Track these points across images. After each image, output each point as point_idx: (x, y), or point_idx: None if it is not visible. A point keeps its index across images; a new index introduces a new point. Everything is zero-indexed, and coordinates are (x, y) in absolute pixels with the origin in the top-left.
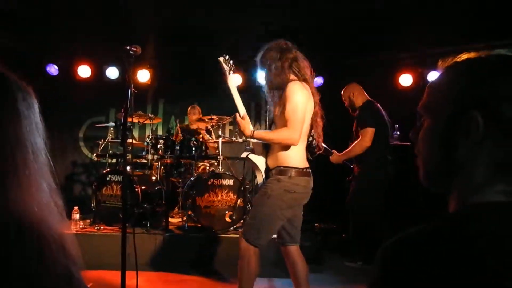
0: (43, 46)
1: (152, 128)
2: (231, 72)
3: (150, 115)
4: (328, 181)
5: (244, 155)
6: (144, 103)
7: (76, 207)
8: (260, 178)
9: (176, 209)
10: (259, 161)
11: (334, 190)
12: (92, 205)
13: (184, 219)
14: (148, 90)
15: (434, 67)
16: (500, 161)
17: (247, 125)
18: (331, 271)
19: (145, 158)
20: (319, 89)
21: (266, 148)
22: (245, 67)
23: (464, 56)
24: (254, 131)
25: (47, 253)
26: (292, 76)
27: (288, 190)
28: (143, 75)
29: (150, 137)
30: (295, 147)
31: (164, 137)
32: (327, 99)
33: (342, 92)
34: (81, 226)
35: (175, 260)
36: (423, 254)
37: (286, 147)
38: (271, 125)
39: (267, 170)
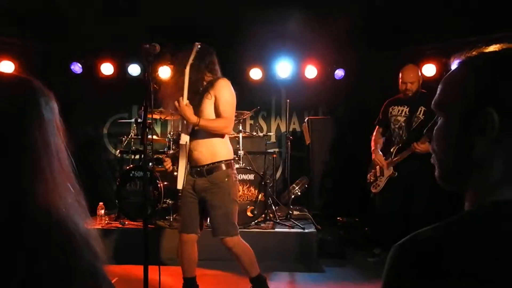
0: (67, 45)
1: (173, 124)
2: (193, 60)
3: (171, 111)
4: (350, 175)
5: (183, 141)
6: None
7: (101, 203)
8: (183, 164)
9: None
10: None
11: (355, 184)
12: (116, 201)
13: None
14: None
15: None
16: None
17: (192, 112)
18: (353, 265)
19: (167, 154)
20: (340, 81)
21: (193, 143)
22: (265, 62)
23: (478, 51)
24: (200, 118)
25: (74, 249)
26: (208, 76)
27: (235, 180)
28: (165, 72)
29: (172, 133)
30: (226, 141)
31: None
32: (349, 92)
33: (407, 72)
34: (106, 221)
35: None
36: (435, 256)
37: (221, 143)
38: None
39: (194, 164)
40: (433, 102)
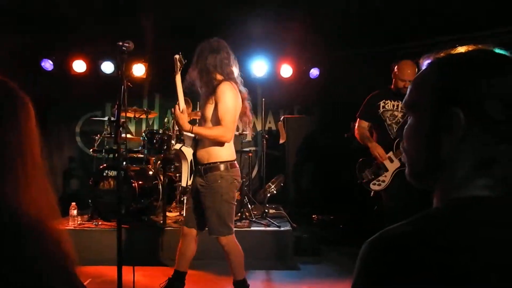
0: (37, 42)
1: (148, 123)
2: (180, 69)
3: (146, 109)
4: (325, 173)
5: (177, 146)
6: (140, 97)
7: (73, 203)
8: (185, 168)
9: (174, 204)
10: (189, 152)
11: (331, 182)
12: (90, 200)
13: (182, 213)
14: (144, 84)
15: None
16: (483, 155)
17: (186, 119)
18: (328, 263)
19: (142, 153)
20: (315, 80)
21: (196, 142)
22: (241, 60)
23: (446, 52)
24: (193, 126)
25: (45, 251)
26: (218, 76)
27: (231, 182)
28: (139, 69)
29: (146, 131)
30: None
31: (160, 132)
32: (324, 91)
33: (405, 69)
34: (79, 222)
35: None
36: (403, 251)
37: (219, 143)
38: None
39: (196, 163)
40: (403, 102)
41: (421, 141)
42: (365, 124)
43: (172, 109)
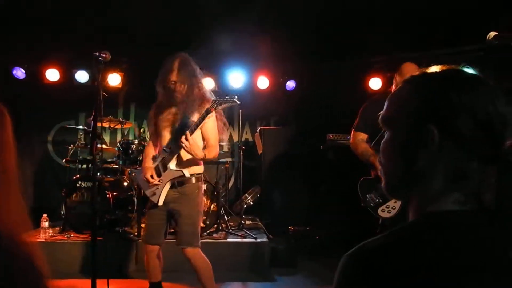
0: (8, 49)
1: (123, 133)
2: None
3: (121, 119)
4: (301, 185)
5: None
6: (115, 107)
7: (45, 215)
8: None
9: None
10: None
11: (307, 193)
12: (62, 212)
13: None
14: (119, 94)
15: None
16: (455, 171)
17: (199, 147)
18: (305, 274)
19: (116, 164)
20: (292, 92)
21: (168, 157)
22: (218, 72)
23: (420, 71)
24: (204, 152)
25: (15, 265)
26: (203, 93)
27: (203, 193)
28: (114, 79)
29: (121, 142)
30: None
31: (135, 142)
32: (300, 102)
33: (408, 71)
34: (50, 234)
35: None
36: (379, 264)
37: (194, 158)
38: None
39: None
40: (380, 118)
41: (397, 156)
42: (364, 136)
43: (183, 137)
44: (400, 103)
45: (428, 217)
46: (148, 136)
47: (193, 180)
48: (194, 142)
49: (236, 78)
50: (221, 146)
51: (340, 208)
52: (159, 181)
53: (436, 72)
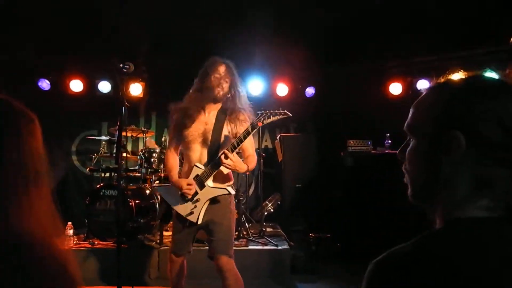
0: (34, 61)
1: (145, 142)
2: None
3: (143, 128)
4: (322, 191)
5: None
6: (137, 116)
7: (69, 223)
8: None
9: (171, 223)
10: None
11: (328, 199)
12: (86, 220)
13: None
14: (141, 104)
15: (422, 75)
16: (481, 178)
17: (241, 161)
18: (326, 281)
19: (139, 172)
20: (311, 99)
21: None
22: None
23: (445, 77)
24: (247, 165)
25: (50, 273)
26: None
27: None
28: (136, 89)
29: (144, 150)
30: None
31: (157, 150)
32: (320, 109)
33: None
34: (75, 242)
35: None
36: (407, 272)
37: (231, 175)
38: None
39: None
40: (405, 125)
41: (421, 163)
42: None
43: (223, 156)
44: (424, 110)
45: (455, 224)
46: (169, 146)
47: (227, 195)
48: (236, 158)
49: (255, 85)
50: (240, 154)
51: (361, 215)
52: (196, 199)
53: (459, 79)
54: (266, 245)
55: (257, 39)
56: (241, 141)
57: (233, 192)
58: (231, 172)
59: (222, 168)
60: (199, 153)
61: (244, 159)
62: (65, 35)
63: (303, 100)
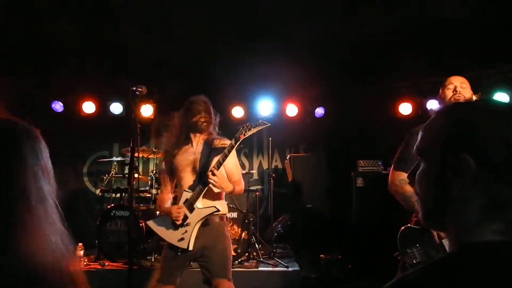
0: (47, 84)
1: (155, 162)
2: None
3: (154, 149)
4: (332, 212)
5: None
6: (148, 137)
7: (80, 244)
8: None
9: None
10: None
11: (338, 220)
12: (96, 241)
13: None
14: (151, 124)
15: (432, 95)
16: (492, 201)
17: (227, 180)
18: None
19: (149, 193)
20: (321, 119)
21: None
22: (247, 100)
23: (454, 100)
24: (233, 185)
25: None
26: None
27: (228, 229)
28: (147, 110)
29: (154, 171)
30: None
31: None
32: (329, 129)
33: (454, 78)
34: (85, 263)
35: None
36: None
37: (220, 194)
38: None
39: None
40: (414, 148)
41: (431, 186)
42: (405, 176)
43: (210, 173)
44: (434, 133)
45: (466, 248)
46: (162, 180)
47: (217, 219)
48: (222, 175)
49: (265, 106)
50: (251, 174)
51: (372, 235)
52: (186, 223)
53: (467, 102)
54: (276, 266)
55: (267, 61)
56: (226, 156)
57: (222, 209)
58: (224, 204)
59: (210, 186)
60: (188, 180)
61: (232, 183)
62: (77, 57)
63: (313, 121)
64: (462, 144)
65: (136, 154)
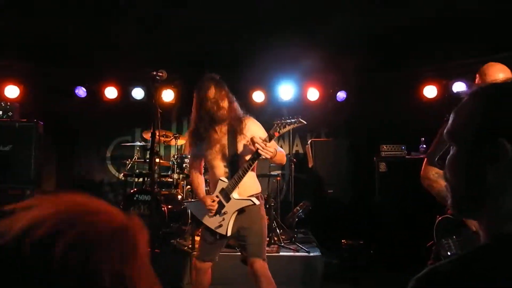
0: (71, 70)
1: (177, 147)
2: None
3: (175, 134)
4: (353, 197)
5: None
6: (169, 122)
7: None
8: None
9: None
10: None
11: (360, 205)
12: None
13: None
14: (173, 110)
15: (458, 78)
16: None
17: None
18: None
19: (171, 177)
20: (343, 103)
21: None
22: (268, 84)
23: (488, 83)
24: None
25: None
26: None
27: (263, 207)
28: (168, 95)
29: (176, 156)
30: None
31: (189, 156)
32: (351, 113)
33: (493, 69)
34: None
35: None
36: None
37: (254, 177)
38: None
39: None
40: (445, 132)
41: (463, 172)
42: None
43: (260, 141)
44: (467, 117)
45: (501, 240)
46: (191, 164)
47: (258, 198)
48: (273, 144)
49: (286, 90)
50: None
51: (394, 221)
52: (224, 212)
53: (504, 83)
54: (297, 251)
55: (288, 44)
56: (259, 155)
57: (258, 202)
58: (257, 182)
59: (245, 178)
60: (221, 169)
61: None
62: (100, 44)
63: (334, 105)
64: (499, 129)
65: (156, 139)
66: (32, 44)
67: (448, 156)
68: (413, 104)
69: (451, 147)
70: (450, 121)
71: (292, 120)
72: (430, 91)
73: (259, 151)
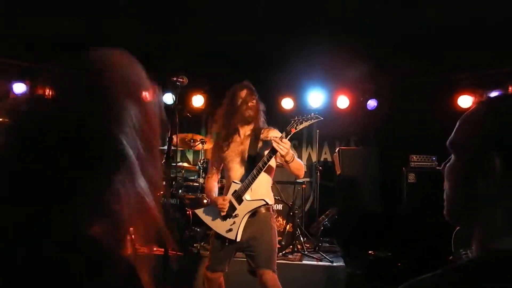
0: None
1: (204, 152)
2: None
3: (202, 139)
4: (382, 207)
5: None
6: (199, 127)
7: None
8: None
9: None
10: None
11: (388, 216)
12: None
13: None
14: (202, 115)
15: (494, 87)
16: None
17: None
18: None
19: (197, 182)
20: (373, 112)
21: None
22: (297, 91)
23: (493, 94)
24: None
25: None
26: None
27: (275, 221)
28: (198, 100)
29: (202, 161)
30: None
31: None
32: (381, 122)
33: None
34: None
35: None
36: None
37: (269, 184)
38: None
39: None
40: (448, 140)
41: (458, 181)
42: None
43: (278, 139)
44: (469, 126)
45: (491, 256)
46: (209, 169)
47: (264, 210)
48: (287, 141)
49: (315, 97)
50: None
51: (423, 234)
52: (235, 214)
53: (505, 96)
54: (320, 260)
55: (319, 50)
56: (275, 152)
57: (270, 202)
58: (271, 193)
59: (258, 180)
60: (237, 171)
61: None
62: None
63: (364, 113)
64: (492, 141)
65: (174, 143)
66: (63, 44)
67: (447, 164)
68: (446, 114)
69: (452, 156)
70: (454, 130)
71: (309, 116)
72: (465, 101)
73: (274, 145)
